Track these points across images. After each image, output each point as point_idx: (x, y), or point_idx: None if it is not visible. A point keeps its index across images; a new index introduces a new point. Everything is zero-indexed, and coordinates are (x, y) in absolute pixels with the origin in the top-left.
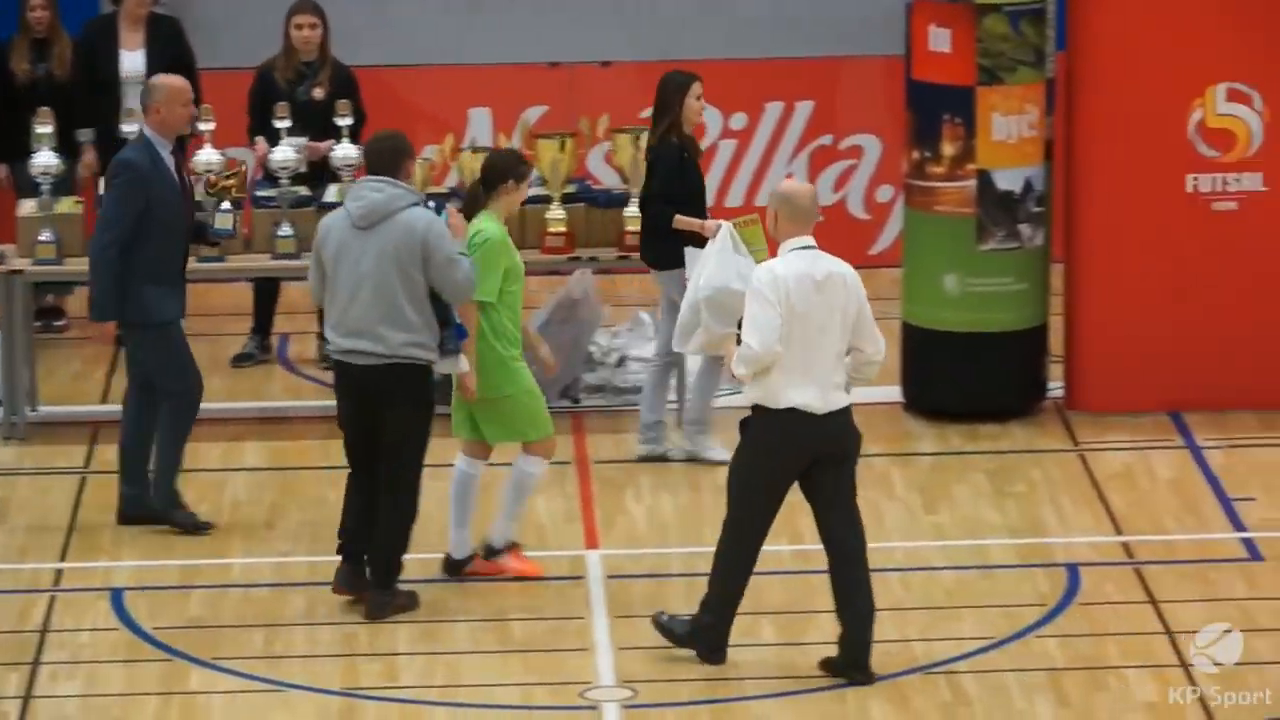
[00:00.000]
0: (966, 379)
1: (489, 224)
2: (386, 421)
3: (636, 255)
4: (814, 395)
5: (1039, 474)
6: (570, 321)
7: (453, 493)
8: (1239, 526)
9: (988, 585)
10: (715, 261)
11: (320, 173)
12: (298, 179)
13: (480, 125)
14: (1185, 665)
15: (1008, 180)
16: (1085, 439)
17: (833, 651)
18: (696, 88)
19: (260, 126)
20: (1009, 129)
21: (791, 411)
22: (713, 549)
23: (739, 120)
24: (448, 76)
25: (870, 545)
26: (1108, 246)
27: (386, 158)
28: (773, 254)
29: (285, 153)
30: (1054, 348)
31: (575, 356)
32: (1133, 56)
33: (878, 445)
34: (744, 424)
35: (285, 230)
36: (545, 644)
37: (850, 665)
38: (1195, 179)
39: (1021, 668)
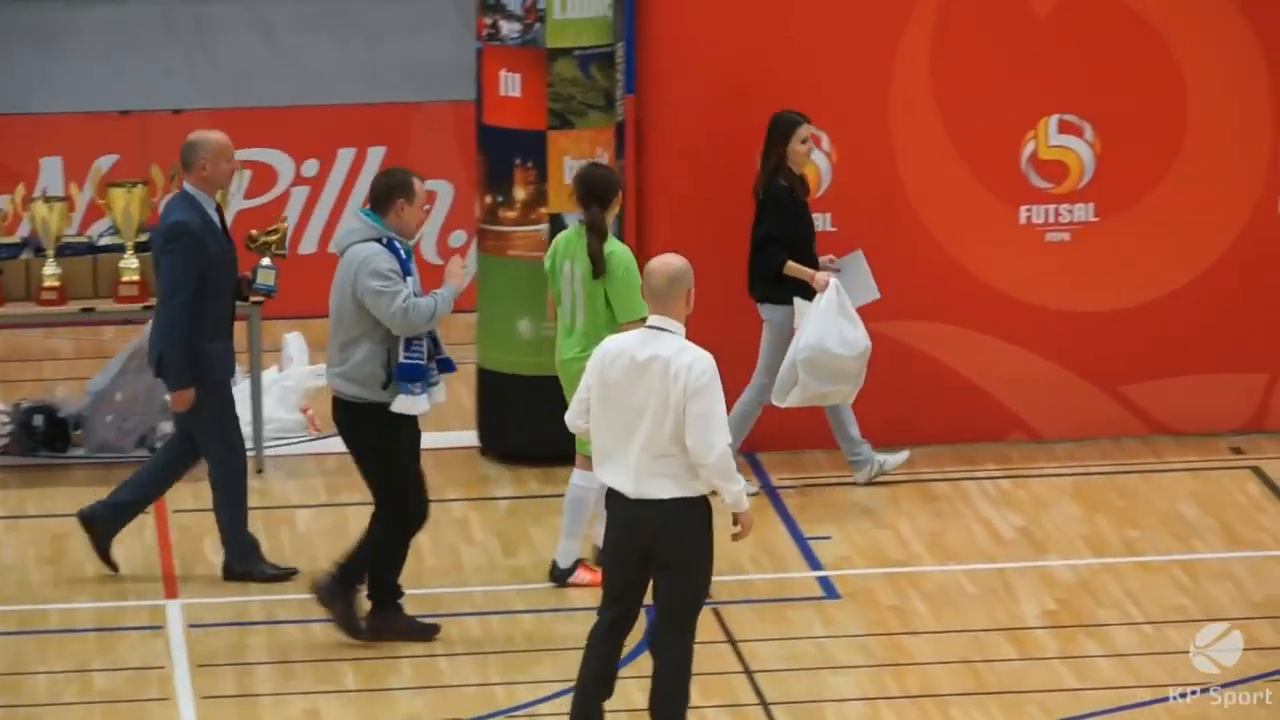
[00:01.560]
0: (542, 422)
1: (615, 243)
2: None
3: None
4: (624, 477)
5: None
6: (145, 370)
7: (567, 504)
8: (815, 565)
9: (568, 628)
10: (817, 320)
11: None
12: None
13: (52, 174)
14: (765, 704)
15: None
16: None
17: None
18: (802, 131)
19: None
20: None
21: (608, 488)
22: (297, 596)
23: (311, 167)
24: (17, 126)
25: (449, 589)
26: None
27: (378, 193)
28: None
29: None
30: None
31: (151, 405)
32: (701, 98)
33: (455, 490)
34: None
35: None
36: (126, 694)
37: None
38: None
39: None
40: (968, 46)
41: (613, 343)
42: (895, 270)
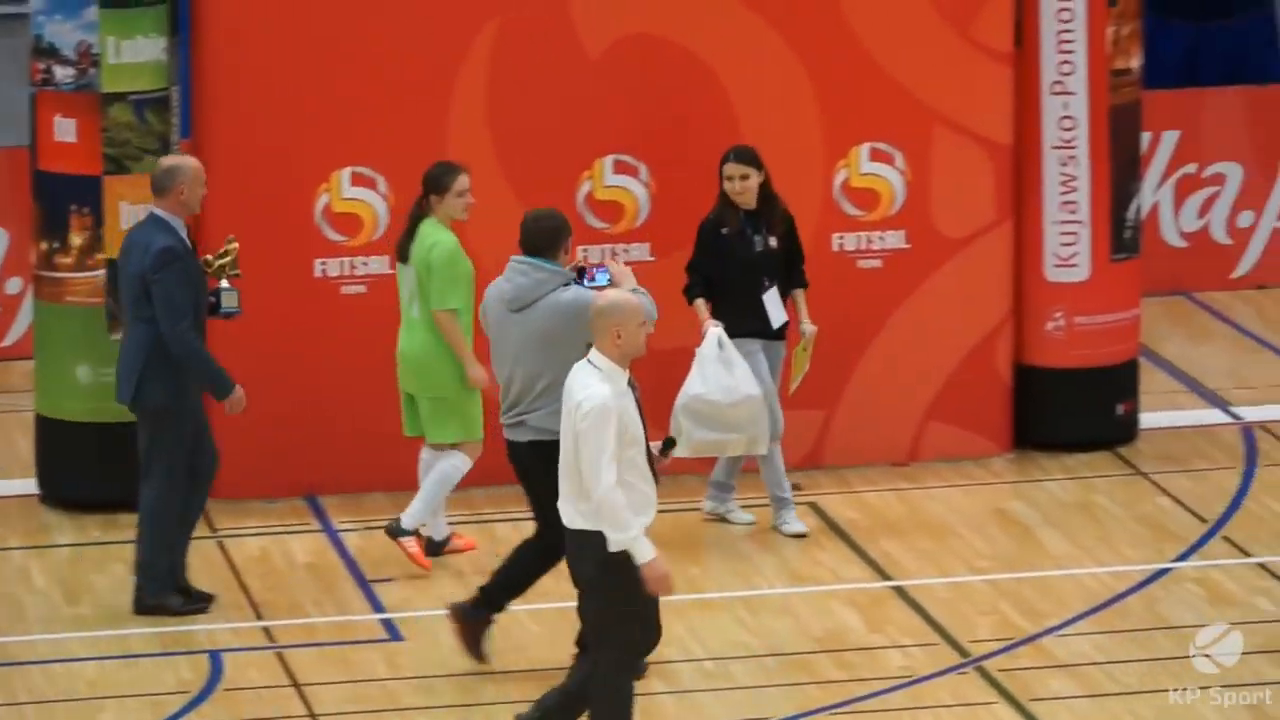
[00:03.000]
0: (103, 469)
1: (442, 233)
2: (529, 493)
3: None
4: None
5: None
6: None
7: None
8: (378, 607)
9: (130, 675)
10: (696, 368)
11: None
12: None
13: None
14: None
15: None
16: (223, 525)
17: None
18: (728, 169)
19: None
20: (138, 218)
21: None
22: None
23: None
24: None
25: (11, 638)
26: (237, 331)
27: (544, 237)
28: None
29: None
30: None
31: None
32: (257, 144)
33: (16, 539)
34: None
35: None
36: None
37: None
38: (323, 265)
39: None
40: (522, 89)
41: None
42: None
